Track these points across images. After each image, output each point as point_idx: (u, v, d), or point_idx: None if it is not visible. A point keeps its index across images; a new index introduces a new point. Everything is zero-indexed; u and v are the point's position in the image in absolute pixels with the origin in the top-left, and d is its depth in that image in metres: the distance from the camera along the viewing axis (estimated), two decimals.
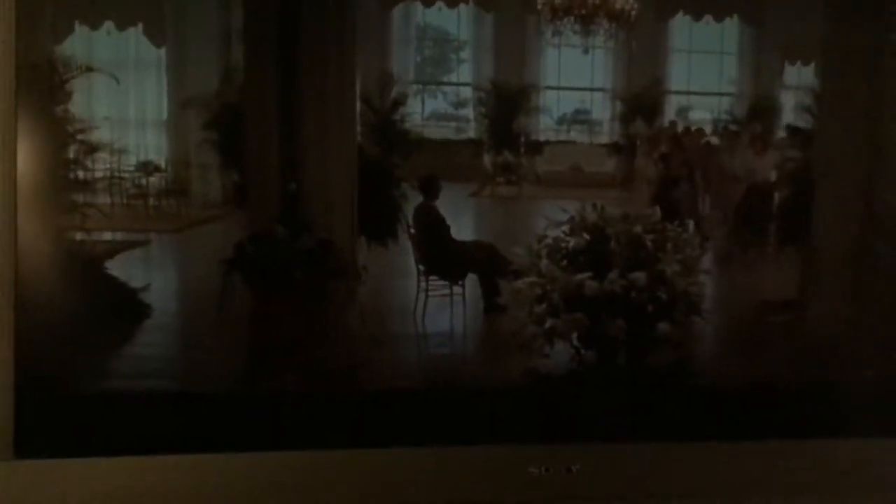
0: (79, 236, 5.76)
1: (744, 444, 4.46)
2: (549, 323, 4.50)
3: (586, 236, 4.52)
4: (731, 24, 18.67)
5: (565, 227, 4.72)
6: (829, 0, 6.28)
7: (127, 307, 5.40)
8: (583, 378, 4.41)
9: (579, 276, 4.49)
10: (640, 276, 4.42)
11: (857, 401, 4.58)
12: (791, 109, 15.98)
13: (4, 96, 2.53)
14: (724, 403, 4.71)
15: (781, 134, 12.37)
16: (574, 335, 4.40)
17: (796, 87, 16.68)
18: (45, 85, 5.50)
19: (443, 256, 7.82)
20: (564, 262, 4.51)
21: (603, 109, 18.86)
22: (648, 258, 4.54)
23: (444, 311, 7.55)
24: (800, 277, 5.43)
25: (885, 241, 5.71)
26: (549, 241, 4.71)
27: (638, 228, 4.56)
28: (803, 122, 13.04)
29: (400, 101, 15.23)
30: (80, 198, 6.57)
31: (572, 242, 4.54)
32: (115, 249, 7.32)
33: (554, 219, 4.88)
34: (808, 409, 4.57)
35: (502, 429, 4.51)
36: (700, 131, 12.45)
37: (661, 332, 4.40)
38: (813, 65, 16.57)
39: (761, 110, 16.94)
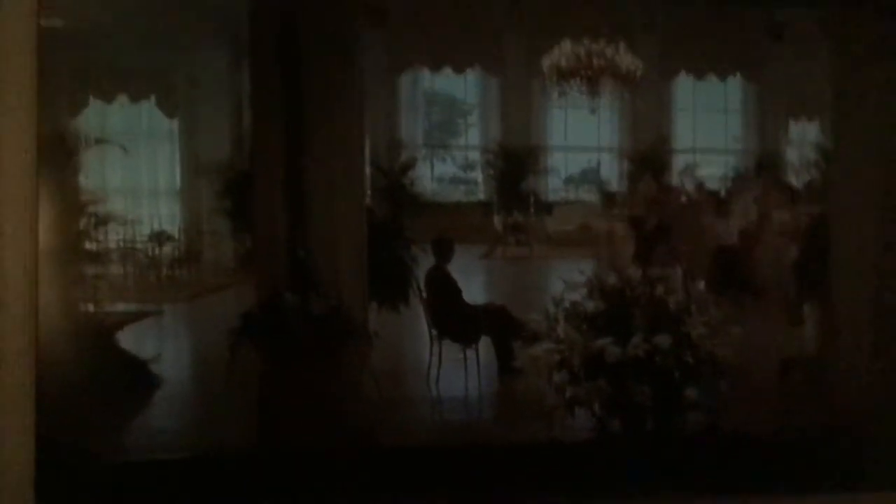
0: (92, 307, 5.75)
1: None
2: (569, 391, 4.32)
3: (604, 300, 4.36)
4: (733, 83, 18.40)
5: (583, 290, 4.56)
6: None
7: (139, 377, 5.36)
8: (605, 445, 4.31)
9: (600, 342, 4.31)
10: (664, 340, 4.24)
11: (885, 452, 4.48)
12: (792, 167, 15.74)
13: (26, 168, 2.55)
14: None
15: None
16: (596, 404, 4.23)
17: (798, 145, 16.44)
18: (61, 157, 5.55)
19: (455, 320, 7.20)
20: (584, 327, 4.35)
21: (610, 168, 18.52)
22: (671, 320, 4.39)
23: (459, 375, 7.16)
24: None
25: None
26: (566, 304, 4.54)
27: (660, 290, 4.42)
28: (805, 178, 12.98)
29: (409, 165, 15.15)
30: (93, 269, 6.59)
31: (591, 306, 4.36)
32: (127, 320, 7.31)
33: (571, 281, 4.75)
34: (838, 462, 4.46)
35: (523, 493, 4.40)
36: (676, 190, 12.32)
37: (688, 397, 4.23)
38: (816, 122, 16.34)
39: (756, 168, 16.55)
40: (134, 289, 11.62)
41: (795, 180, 16.12)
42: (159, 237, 13.63)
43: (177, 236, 13.94)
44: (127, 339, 7.17)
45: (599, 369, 4.11)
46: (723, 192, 11.63)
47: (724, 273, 9.64)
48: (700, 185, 12.43)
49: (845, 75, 6.03)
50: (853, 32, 5.96)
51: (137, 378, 5.39)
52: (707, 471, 4.39)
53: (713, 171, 14.93)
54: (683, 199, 11.10)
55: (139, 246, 13.11)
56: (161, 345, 7.41)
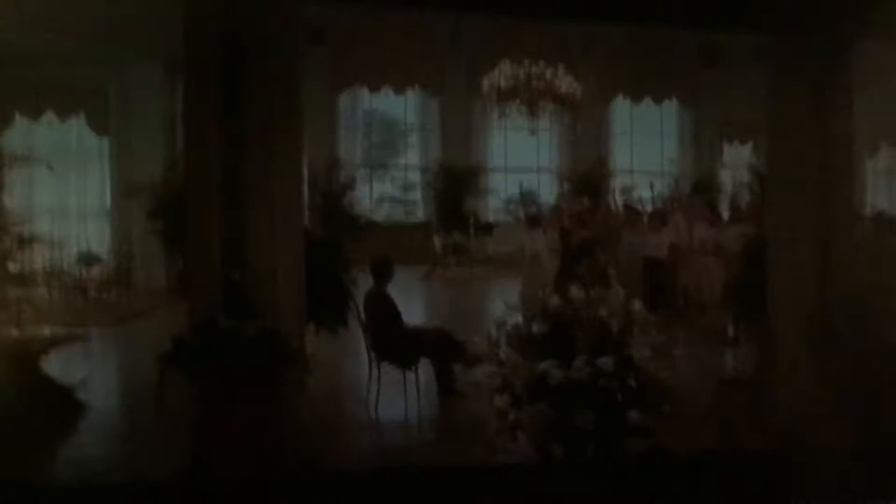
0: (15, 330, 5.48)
1: None
2: (511, 416, 4.21)
3: (545, 323, 4.25)
4: (669, 106, 18.77)
5: (526, 312, 4.46)
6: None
7: (63, 403, 5.11)
8: (549, 469, 4.21)
9: (543, 365, 4.23)
10: (607, 362, 4.17)
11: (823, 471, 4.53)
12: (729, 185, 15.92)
13: None
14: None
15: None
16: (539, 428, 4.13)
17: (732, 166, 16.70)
18: None
19: (395, 342, 6.94)
20: (525, 350, 4.25)
21: (549, 188, 18.64)
22: (614, 343, 4.32)
23: (398, 398, 6.95)
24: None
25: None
26: (508, 327, 4.44)
27: (603, 311, 4.35)
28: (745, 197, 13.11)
29: (348, 185, 14.92)
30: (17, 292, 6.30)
31: (534, 328, 4.26)
32: (52, 344, 7.00)
33: (511, 303, 4.66)
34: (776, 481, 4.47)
35: None
36: (604, 207, 12.13)
37: (632, 420, 4.15)
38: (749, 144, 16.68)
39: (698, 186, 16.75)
40: (60, 311, 11.22)
41: (727, 201, 16.50)
42: (87, 258, 13.23)
43: (105, 258, 13.56)
44: (52, 364, 6.88)
45: (542, 392, 4.03)
46: (648, 211, 11.74)
47: (653, 292, 9.72)
48: (628, 204, 12.62)
49: (779, 99, 6.14)
50: (786, 57, 6.10)
51: (61, 404, 5.12)
52: (647, 492, 4.37)
53: (647, 192, 15.21)
54: (611, 216, 11.16)
55: (66, 268, 12.71)
56: (87, 370, 7.11)
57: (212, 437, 4.55)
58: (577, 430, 3.99)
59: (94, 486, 4.58)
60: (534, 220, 10.49)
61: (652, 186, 14.84)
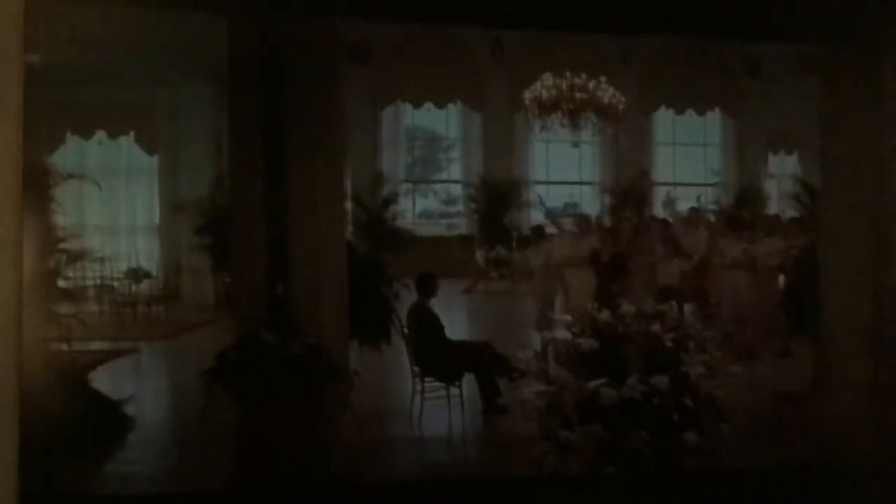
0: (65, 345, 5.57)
1: None
2: (562, 436, 4.06)
3: (596, 339, 4.08)
4: (713, 117, 18.50)
5: (575, 328, 4.30)
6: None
7: (110, 418, 5.18)
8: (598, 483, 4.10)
9: (594, 383, 4.05)
10: (661, 381, 4.01)
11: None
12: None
13: (12, 202, 2.45)
14: None
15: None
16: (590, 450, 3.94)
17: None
18: (41, 192, 5.40)
19: (438, 357, 6.89)
20: (575, 367, 4.09)
21: (591, 201, 18.51)
22: (669, 360, 4.16)
23: (442, 414, 6.83)
24: None
25: None
26: (557, 343, 4.30)
27: (656, 327, 4.22)
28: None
29: (391, 199, 14.96)
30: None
31: (584, 345, 4.17)
32: (100, 359, 7.09)
33: (561, 318, 4.51)
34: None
35: None
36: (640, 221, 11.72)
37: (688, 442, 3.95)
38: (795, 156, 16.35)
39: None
40: (110, 327, 11.43)
41: (776, 212, 16.19)
42: (136, 274, 13.46)
43: (154, 273, 13.78)
44: (101, 379, 6.98)
45: (594, 412, 3.87)
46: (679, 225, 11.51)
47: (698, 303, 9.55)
48: (655, 217, 12.46)
49: (831, 107, 6.03)
50: (837, 65, 5.99)
51: (109, 419, 5.19)
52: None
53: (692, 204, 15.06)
54: (646, 231, 10.97)
55: (116, 283, 12.95)
56: (134, 385, 7.22)
57: (255, 452, 4.58)
58: (631, 451, 3.84)
59: (138, 497, 4.64)
60: (570, 233, 10.38)
61: (699, 199, 14.65)
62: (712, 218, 12.56)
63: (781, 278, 8.95)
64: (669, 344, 4.11)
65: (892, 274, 5.62)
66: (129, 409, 5.56)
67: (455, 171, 19.42)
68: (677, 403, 3.96)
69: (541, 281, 9.55)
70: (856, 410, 5.33)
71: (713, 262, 9.63)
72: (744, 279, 9.12)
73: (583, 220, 10.92)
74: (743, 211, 15.72)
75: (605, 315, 4.12)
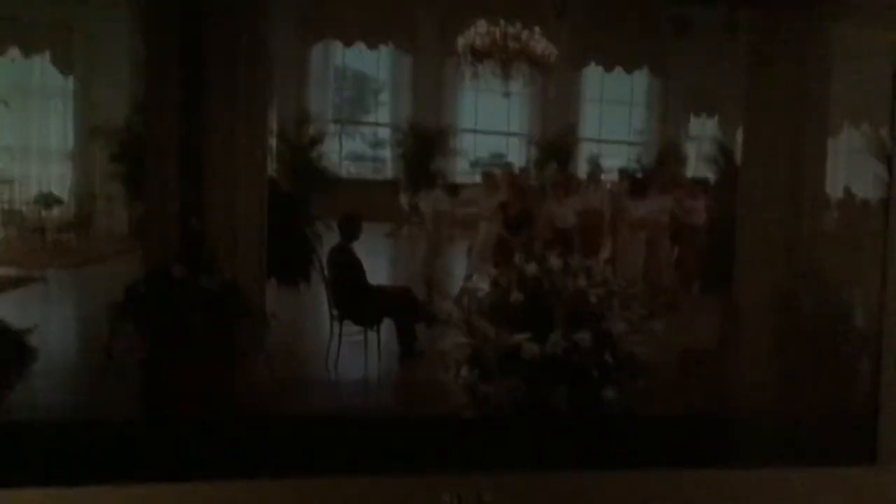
0: None
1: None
2: (481, 389, 4.09)
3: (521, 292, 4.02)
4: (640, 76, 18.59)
5: (501, 279, 4.24)
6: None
7: (14, 349, 5.01)
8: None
9: (517, 337, 4.03)
10: (584, 337, 4.02)
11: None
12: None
13: None
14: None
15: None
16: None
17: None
18: None
19: (358, 300, 6.94)
20: (498, 320, 4.04)
21: (517, 153, 18.57)
22: (592, 316, 4.17)
23: (358, 357, 6.84)
24: None
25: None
26: (479, 294, 4.24)
27: (582, 282, 4.22)
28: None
29: (317, 139, 14.78)
30: None
31: (511, 297, 4.10)
32: (7, 285, 6.84)
33: (486, 270, 4.47)
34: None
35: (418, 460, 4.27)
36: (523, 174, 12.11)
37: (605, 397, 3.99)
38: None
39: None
40: (15, 252, 11.05)
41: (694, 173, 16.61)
42: (46, 199, 12.98)
43: (66, 199, 13.30)
44: (2, 307, 6.72)
45: (515, 366, 3.87)
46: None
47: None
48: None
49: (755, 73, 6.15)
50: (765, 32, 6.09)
51: (8, 349, 4.99)
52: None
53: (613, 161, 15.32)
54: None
55: (24, 208, 12.48)
56: (39, 315, 6.98)
57: (161, 387, 4.47)
58: (550, 406, 3.88)
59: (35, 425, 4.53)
60: (489, 181, 10.43)
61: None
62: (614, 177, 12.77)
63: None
64: (593, 300, 4.16)
65: (804, 231, 5.84)
66: (32, 340, 5.38)
67: (384, 115, 19.22)
68: (598, 360, 4.04)
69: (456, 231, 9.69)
70: (760, 366, 5.56)
71: (611, 220, 9.79)
72: (638, 238, 9.31)
73: (490, 175, 11.05)
74: (663, 170, 16.04)
75: (531, 269, 4.13)
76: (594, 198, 10.32)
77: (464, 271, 9.25)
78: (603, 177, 12.17)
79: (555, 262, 4.21)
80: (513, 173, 12.01)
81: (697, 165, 18.50)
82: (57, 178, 15.17)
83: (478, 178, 10.88)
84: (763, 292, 5.72)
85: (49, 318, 7.23)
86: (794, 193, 5.78)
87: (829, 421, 4.70)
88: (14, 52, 15.06)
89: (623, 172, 13.45)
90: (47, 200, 13.29)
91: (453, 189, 10.31)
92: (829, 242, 6.22)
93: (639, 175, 13.27)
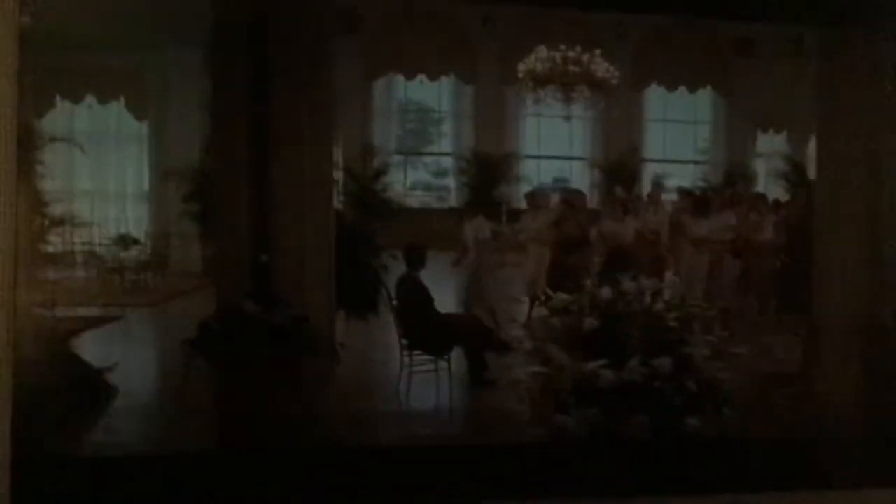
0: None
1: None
2: (557, 420, 3.86)
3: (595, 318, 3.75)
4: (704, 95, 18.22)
5: (574, 305, 4.08)
6: None
7: (93, 386, 5.13)
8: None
9: (593, 364, 3.78)
10: (664, 363, 3.74)
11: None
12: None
13: (8, 166, 2.37)
14: None
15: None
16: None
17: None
18: (29, 156, 5.29)
19: (427, 330, 6.76)
20: (573, 347, 3.79)
21: (581, 176, 18.27)
22: (672, 341, 3.86)
23: (429, 387, 6.65)
24: None
25: None
26: (553, 321, 4.01)
27: (659, 305, 3.97)
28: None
29: (382, 170, 14.82)
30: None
31: (585, 323, 3.88)
32: (89, 325, 6.97)
33: (559, 295, 4.22)
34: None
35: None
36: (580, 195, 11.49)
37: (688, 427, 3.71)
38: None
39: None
40: (95, 293, 11.37)
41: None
42: (124, 240, 13.40)
43: (142, 239, 13.72)
44: (84, 346, 6.89)
45: (591, 395, 3.63)
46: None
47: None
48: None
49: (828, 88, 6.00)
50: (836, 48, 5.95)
51: (90, 387, 5.13)
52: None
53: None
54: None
55: (104, 250, 12.89)
56: (119, 352, 7.15)
57: (234, 424, 4.50)
58: (629, 437, 3.62)
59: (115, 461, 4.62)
60: (532, 202, 10.12)
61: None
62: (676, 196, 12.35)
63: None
64: (672, 324, 3.91)
65: (885, 256, 5.64)
66: (112, 378, 5.52)
67: (446, 145, 19.35)
68: (680, 387, 3.78)
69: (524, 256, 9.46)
70: (844, 389, 5.37)
71: (675, 240, 9.46)
72: (703, 258, 8.93)
73: (532, 196, 10.62)
74: (731, 188, 15.73)
75: (605, 292, 3.94)
76: (654, 217, 9.97)
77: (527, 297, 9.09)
78: (664, 196, 11.80)
79: (629, 285, 4.02)
80: (568, 193, 11.58)
81: (765, 182, 18.12)
82: (133, 219, 15.67)
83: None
84: (843, 312, 5.54)
85: (127, 356, 7.42)
86: (872, 207, 5.60)
87: None
88: (91, 99, 15.70)
89: (683, 191, 13.12)
90: (124, 241, 13.71)
91: (513, 215, 10.07)
92: None
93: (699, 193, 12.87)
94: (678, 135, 19.47)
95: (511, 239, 9.75)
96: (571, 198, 10.83)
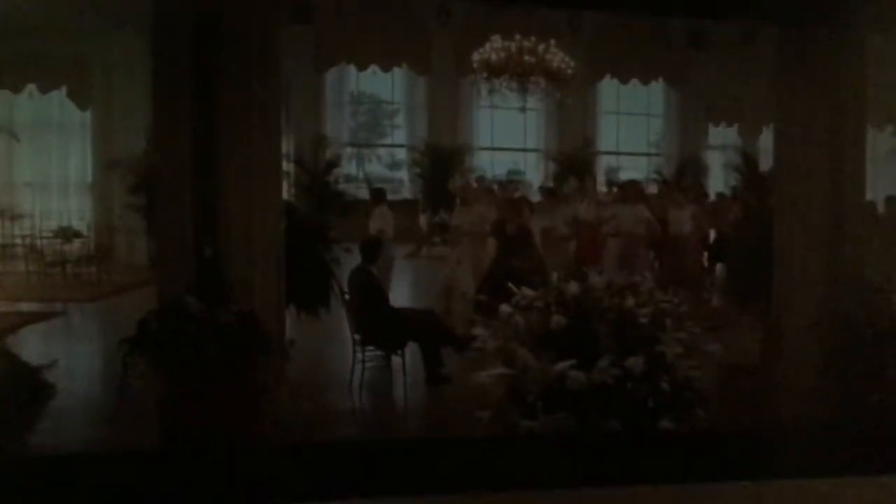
0: None
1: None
2: (524, 426, 3.64)
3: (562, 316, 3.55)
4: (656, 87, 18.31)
5: (538, 302, 3.85)
6: None
7: (29, 385, 4.89)
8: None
9: (561, 366, 3.56)
10: (636, 363, 3.55)
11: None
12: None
13: None
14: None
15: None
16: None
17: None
18: None
19: (380, 324, 6.56)
20: (539, 347, 3.56)
21: (534, 168, 18.24)
22: (643, 339, 3.63)
23: (384, 383, 6.60)
24: None
25: None
26: (516, 319, 3.72)
27: (630, 302, 3.75)
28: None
29: (334, 163, 14.54)
30: None
31: (552, 322, 3.65)
32: (27, 321, 6.71)
33: (524, 291, 3.96)
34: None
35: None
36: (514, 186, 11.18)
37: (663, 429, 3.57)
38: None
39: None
40: (36, 287, 11.03)
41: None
42: (66, 233, 12.96)
43: (85, 232, 13.28)
44: (23, 342, 6.60)
45: (559, 398, 3.40)
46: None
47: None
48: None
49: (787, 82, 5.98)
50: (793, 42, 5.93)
51: (25, 385, 4.86)
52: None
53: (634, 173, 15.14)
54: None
55: (44, 242, 12.47)
56: (59, 349, 6.88)
57: (177, 425, 4.29)
58: (601, 441, 3.45)
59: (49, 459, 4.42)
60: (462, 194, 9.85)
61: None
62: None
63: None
64: (643, 320, 3.72)
65: (846, 245, 5.65)
66: (50, 375, 5.26)
67: (400, 136, 19.19)
68: (653, 388, 3.60)
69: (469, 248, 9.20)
70: (804, 381, 5.37)
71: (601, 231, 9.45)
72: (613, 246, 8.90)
73: (484, 190, 10.41)
74: (684, 180, 15.84)
75: (573, 288, 3.72)
76: (581, 207, 9.82)
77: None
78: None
79: (596, 278, 3.81)
80: (500, 185, 11.23)
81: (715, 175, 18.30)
82: (76, 211, 15.19)
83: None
84: (805, 303, 5.54)
85: (68, 353, 7.15)
86: (830, 199, 5.60)
87: (878, 430, 4.53)
88: (31, 87, 15.18)
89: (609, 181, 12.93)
90: (66, 234, 13.26)
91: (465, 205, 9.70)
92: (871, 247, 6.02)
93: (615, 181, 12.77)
94: (632, 127, 19.59)
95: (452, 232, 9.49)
96: (503, 190, 10.58)
